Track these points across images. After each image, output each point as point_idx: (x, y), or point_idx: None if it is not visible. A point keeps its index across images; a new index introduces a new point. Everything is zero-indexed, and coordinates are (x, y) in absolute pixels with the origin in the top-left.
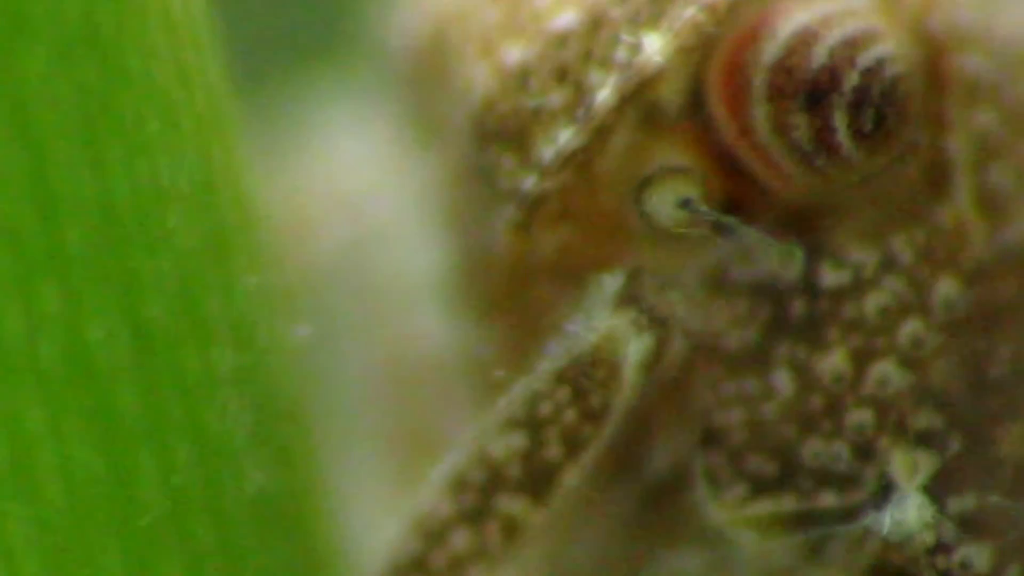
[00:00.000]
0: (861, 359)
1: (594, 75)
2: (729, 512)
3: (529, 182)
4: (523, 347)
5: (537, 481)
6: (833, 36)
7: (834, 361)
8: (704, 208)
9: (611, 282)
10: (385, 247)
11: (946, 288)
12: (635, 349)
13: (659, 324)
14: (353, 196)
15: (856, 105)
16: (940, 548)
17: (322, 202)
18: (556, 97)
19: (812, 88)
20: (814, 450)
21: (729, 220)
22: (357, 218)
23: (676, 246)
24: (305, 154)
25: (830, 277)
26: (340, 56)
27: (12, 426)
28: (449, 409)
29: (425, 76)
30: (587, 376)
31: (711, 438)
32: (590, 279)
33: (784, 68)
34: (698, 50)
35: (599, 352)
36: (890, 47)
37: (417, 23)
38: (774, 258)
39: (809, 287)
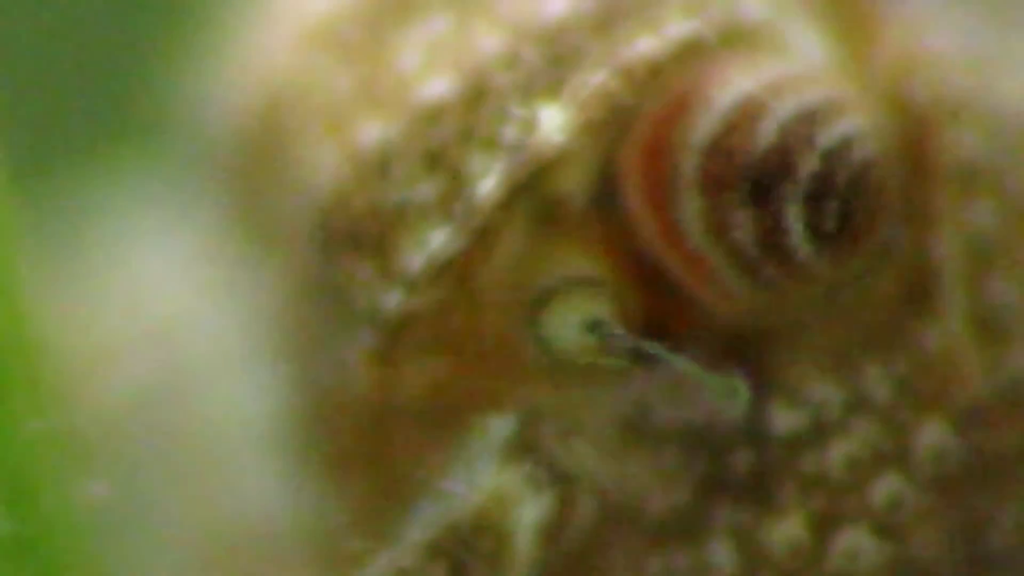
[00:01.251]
0: (824, 526)
1: (476, 160)
2: None
3: (392, 299)
4: (384, 511)
5: None
6: (785, 108)
7: (790, 529)
8: (619, 332)
9: (499, 426)
10: (203, 385)
11: (933, 434)
12: (531, 512)
13: (562, 480)
14: (162, 321)
15: (815, 197)
16: None
17: (123, 328)
18: (427, 188)
19: (758, 175)
20: None
21: (652, 347)
22: (167, 349)
23: (584, 381)
24: (102, 268)
25: (784, 420)
26: (145, 143)
27: None
28: None
29: (255, 164)
30: (468, 548)
31: None
32: (472, 423)
33: (722, 150)
34: (610, 127)
35: (484, 517)
36: (859, 121)
37: (243, 95)
38: (711, 396)
39: (756, 433)
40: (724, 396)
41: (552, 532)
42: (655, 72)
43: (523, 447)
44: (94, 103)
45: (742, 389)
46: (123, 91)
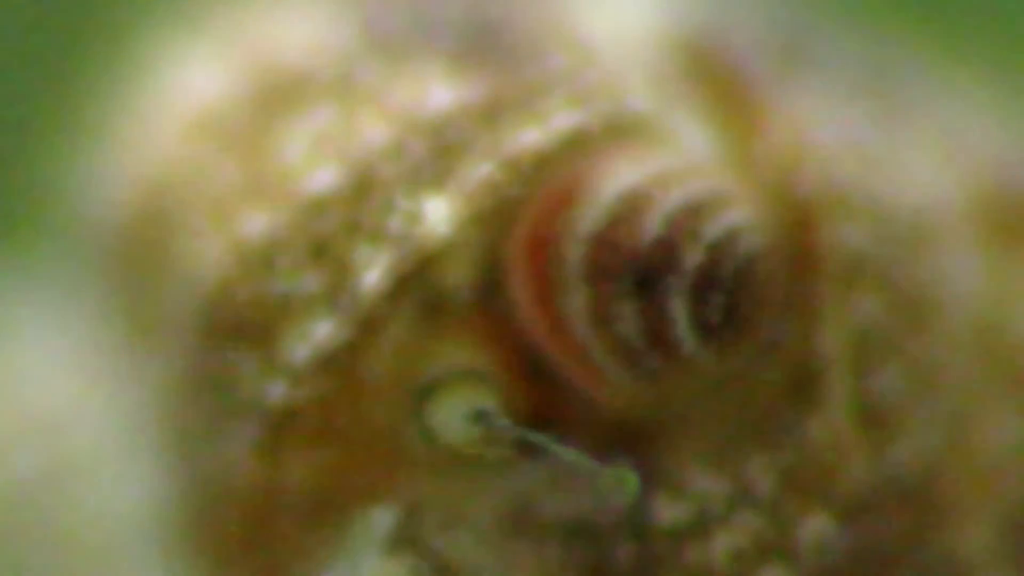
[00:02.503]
0: None
1: (361, 252)
2: None
3: (276, 390)
4: None
5: None
6: (671, 200)
7: None
8: (504, 422)
9: (383, 519)
10: (87, 478)
11: (817, 526)
12: None
13: (446, 574)
14: (45, 415)
15: (700, 289)
16: None
17: (4, 423)
18: (312, 280)
19: (644, 267)
20: None
21: (537, 438)
22: (50, 442)
23: (468, 472)
24: None
25: (667, 512)
26: (25, 235)
27: None
28: None
29: (139, 255)
30: None
31: None
32: (355, 516)
33: (607, 241)
34: (496, 218)
35: None
36: (745, 214)
37: (128, 185)
38: (597, 488)
39: (640, 526)
40: (613, 487)
41: None
42: (541, 164)
43: (406, 540)
44: None
45: (631, 479)
46: (2, 182)
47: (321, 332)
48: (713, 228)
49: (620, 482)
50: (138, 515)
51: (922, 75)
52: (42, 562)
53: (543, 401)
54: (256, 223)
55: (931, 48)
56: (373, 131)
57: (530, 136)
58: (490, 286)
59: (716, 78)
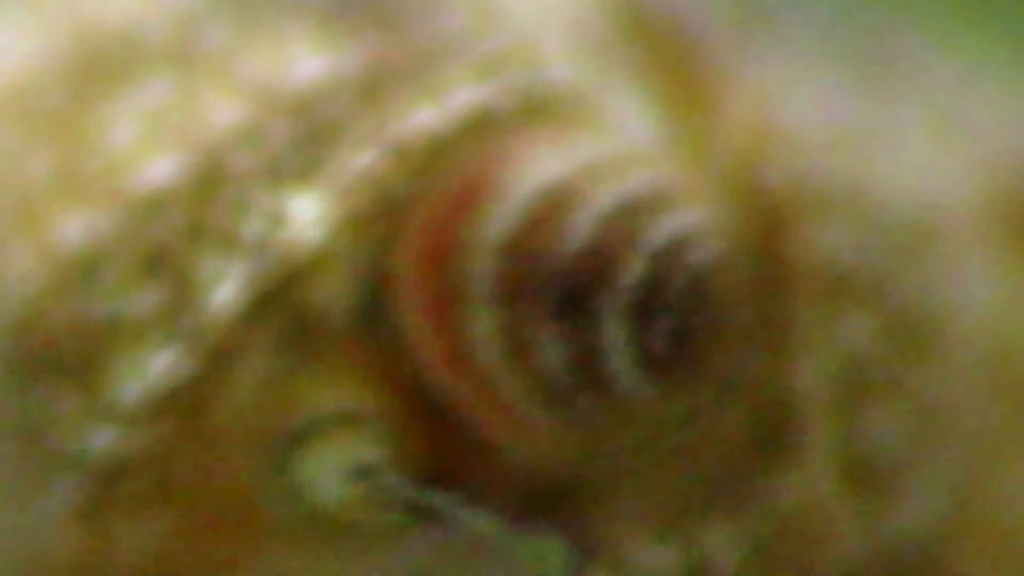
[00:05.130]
0: None
1: (208, 263)
2: None
3: (102, 438)
4: None
5: None
6: (603, 197)
7: None
8: (393, 479)
9: None
10: None
11: None
12: None
13: None
14: None
15: (641, 311)
16: None
17: None
18: (146, 299)
19: (569, 282)
20: None
21: (437, 499)
22: None
23: (346, 543)
24: None
25: None
26: None
27: None
28: None
29: None
30: None
31: None
32: None
33: (523, 251)
34: (380, 220)
35: None
36: (699, 214)
37: None
38: (514, 563)
39: None
40: (534, 562)
41: None
42: (436, 151)
43: None
44: None
45: (556, 552)
46: None
47: (158, 365)
48: (657, 232)
49: (543, 556)
50: None
51: (920, 42)
52: None
53: (443, 452)
54: (74, 227)
55: (935, 13)
56: (222, 110)
57: (422, 116)
58: (372, 306)
59: (661, 42)
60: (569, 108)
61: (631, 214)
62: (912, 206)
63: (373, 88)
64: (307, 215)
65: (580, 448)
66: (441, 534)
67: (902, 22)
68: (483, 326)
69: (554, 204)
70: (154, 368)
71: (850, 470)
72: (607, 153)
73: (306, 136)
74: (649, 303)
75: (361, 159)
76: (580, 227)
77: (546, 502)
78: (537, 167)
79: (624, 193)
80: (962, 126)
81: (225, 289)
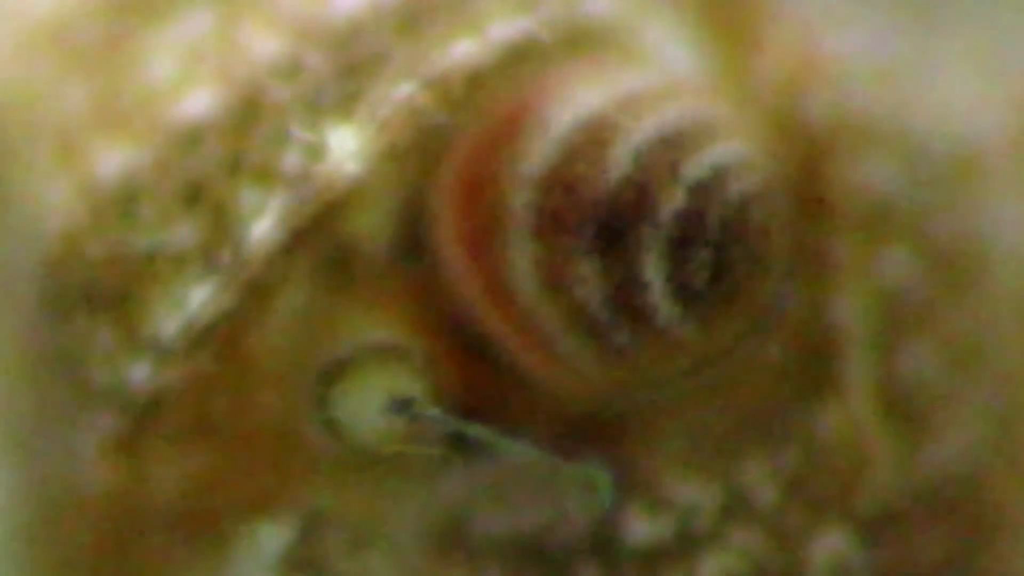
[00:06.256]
0: None
1: (247, 195)
2: None
3: (139, 373)
4: None
5: None
6: (643, 130)
7: None
8: (432, 412)
9: (273, 536)
10: None
11: (833, 545)
12: None
13: None
14: None
15: (681, 244)
16: None
17: None
18: (184, 232)
19: (608, 215)
20: None
21: (476, 431)
22: None
23: (385, 477)
24: None
25: (642, 528)
26: None
27: None
28: None
29: None
30: None
31: None
32: (238, 531)
33: (562, 182)
34: (419, 153)
35: None
36: (738, 147)
37: None
38: (558, 493)
39: (607, 544)
40: (580, 491)
41: None
42: (476, 84)
43: (302, 563)
44: None
45: (604, 480)
46: None
47: (196, 299)
48: (697, 165)
49: (590, 485)
50: None
51: None
52: None
53: (480, 385)
54: (113, 160)
55: None
56: (261, 43)
57: (462, 48)
58: (411, 239)
59: None
60: (608, 40)
61: (671, 147)
62: (952, 140)
63: (412, 21)
64: (346, 147)
65: (617, 382)
66: (481, 468)
67: None
68: (522, 259)
69: (593, 137)
70: (192, 301)
71: (888, 404)
72: (647, 85)
73: (345, 69)
74: (688, 236)
75: (400, 91)
76: (620, 160)
77: (583, 436)
78: (576, 100)
79: (664, 125)
80: (1002, 63)
81: (264, 222)
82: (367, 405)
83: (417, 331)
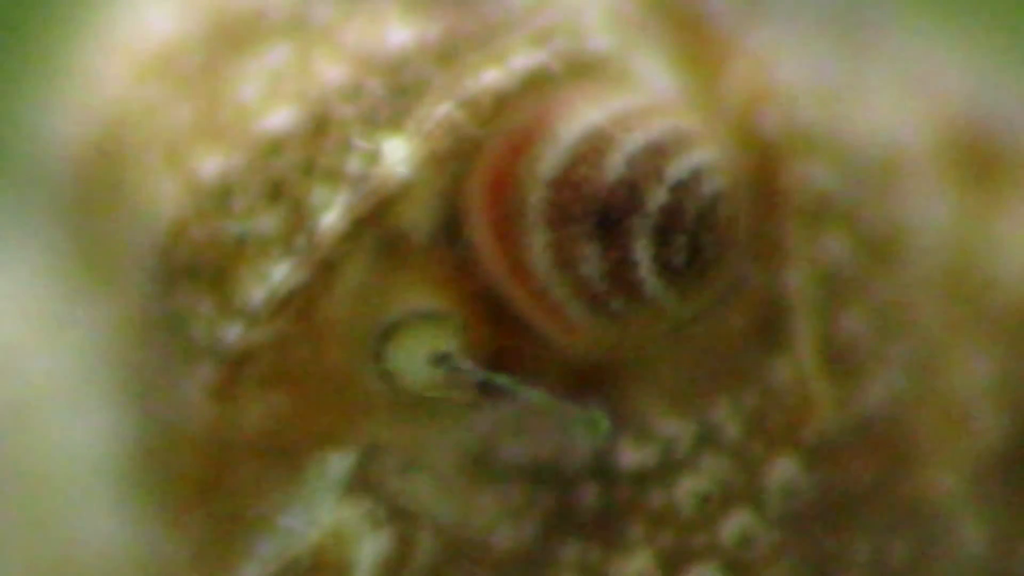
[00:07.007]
0: (673, 563)
1: (318, 192)
2: None
3: (232, 333)
4: (223, 547)
5: None
6: (634, 140)
7: (638, 566)
8: (466, 365)
9: (339, 462)
10: (41, 418)
11: (784, 470)
12: (370, 550)
13: (403, 517)
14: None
15: (664, 230)
16: None
17: None
18: (268, 221)
19: (606, 208)
20: None
21: (501, 380)
22: (4, 382)
23: (428, 416)
24: None
25: (632, 456)
26: None
27: None
28: None
29: (93, 196)
30: None
31: None
32: (312, 459)
33: (569, 182)
34: (455, 159)
35: (322, 553)
36: (709, 154)
37: (81, 125)
38: (566, 430)
39: (604, 469)
40: (583, 428)
41: (392, 569)
42: (500, 103)
43: (363, 484)
44: None
45: (602, 420)
46: None
47: (278, 274)
48: (676, 168)
49: (591, 423)
50: (93, 456)
51: (888, 15)
52: (2, 498)
53: (505, 343)
54: (211, 163)
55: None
56: (329, 70)
57: (490, 75)
58: (450, 227)
59: (678, 17)
60: (605, 70)
61: (655, 154)
62: (880, 146)
63: (450, 53)
64: (397, 155)
65: (614, 340)
66: (504, 408)
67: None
68: (537, 244)
69: (594, 146)
70: (274, 276)
71: (828, 358)
72: (636, 105)
73: (396, 91)
74: (669, 225)
75: (440, 110)
76: (615, 164)
77: (587, 383)
78: (580, 116)
79: (649, 137)
80: (920, 83)
81: (331, 214)
82: (414, 359)
83: (454, 301)
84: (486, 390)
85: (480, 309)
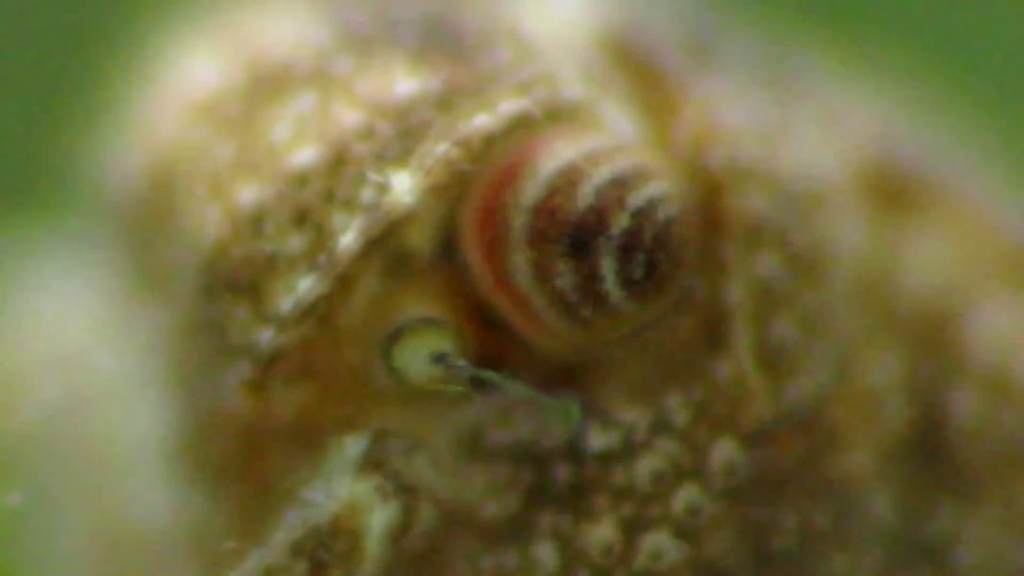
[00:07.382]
0: (632, 529)
1: (337, 218)
2: None
3: (265, 336)
4: (256, 516)
5: None
6: (600, 174)
7: (603, 532)
8: (460, 363)
9: (354, 445)
10: (102, 409)
11: (725, 451)
12: (379, 518)
13: (407, 491)
14: (66, 353)
15: (626, 249)
16: None
17: (31, 359)
18: (295, 242)
19: (577, 231)
20: None
21: (489, 375)
22: (72, 375)
23: (428, 405)
24: (11, 307)
25: (598, 439)
26: (47, 198)
27: None
28: None
29: (147, 220)
30: (326, 548)
31: None
32: (331, 442)
33: (546, 209)
34: (451, 190)
35: (339, 522)
36: (663, 186)
37: (136, 160)
38: (544, 417)
39: (575, 450)
40: (559, 416)
41: (397, 535)
42: (490, 143)
43: (374, 463)
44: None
45: (574, 410)
46: (31, 157)
47: (303, 286)
48: (636, 197)
49: (565, 412)
50: (146, 439)
51: (812, 67)
52: (64, 476)
53: (493, 345)
54: (248, 193)
55: (819, 44)
56: (347, 115)
57: (481, 119)
58: (447, 247)
59: (637, 70)
60: (578, 114)
61: (619, 186)
62: (807, 179)
63: (448, 100)
64: (403, 186)
65: (584, 342)
66: (492, 399)
67: (798, 52)
68: (520, 261)
69: (568, 179)
70: (300, 288)
71: (763, 356)
72: (603, 145)
73: (403, 132)
74: (631, 245)
75: (439, 148)
76: (585, 194)
77: (561, 378)
78: (556, 154)
79: (614, 171)
80: (840, 124)
81: (348, 235)
82: (417, 358)
83: (451, 309)
84: (477, 384)
85: (473, 316)
